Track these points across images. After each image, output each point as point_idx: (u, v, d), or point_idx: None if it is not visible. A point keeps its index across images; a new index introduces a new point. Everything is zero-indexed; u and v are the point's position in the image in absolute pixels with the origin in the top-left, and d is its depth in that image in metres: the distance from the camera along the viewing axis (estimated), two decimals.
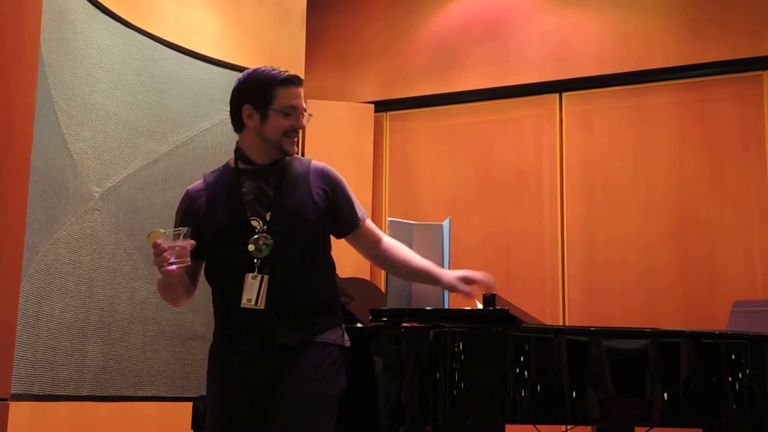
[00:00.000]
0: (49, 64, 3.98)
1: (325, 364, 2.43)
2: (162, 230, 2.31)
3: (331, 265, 2.57)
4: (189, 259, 2.29)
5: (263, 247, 2.40)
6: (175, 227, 2.47)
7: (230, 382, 2.42)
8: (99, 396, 4.29)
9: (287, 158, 2.53)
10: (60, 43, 4.10)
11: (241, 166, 2.51)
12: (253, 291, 2.38)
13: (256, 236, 2.40)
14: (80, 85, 4.28)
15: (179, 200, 2.56)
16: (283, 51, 5.31)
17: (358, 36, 6.32)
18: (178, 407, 4.35)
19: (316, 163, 2.57)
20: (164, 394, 4.61)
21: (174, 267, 2.28)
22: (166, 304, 4.61)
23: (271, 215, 2.43)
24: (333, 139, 5.79)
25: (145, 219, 4.61)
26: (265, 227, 2.42)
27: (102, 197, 4.40)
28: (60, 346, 4.07)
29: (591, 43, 5.70)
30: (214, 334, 2.55)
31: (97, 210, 4.37)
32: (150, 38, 4.74)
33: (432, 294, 3.27)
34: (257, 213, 2.44)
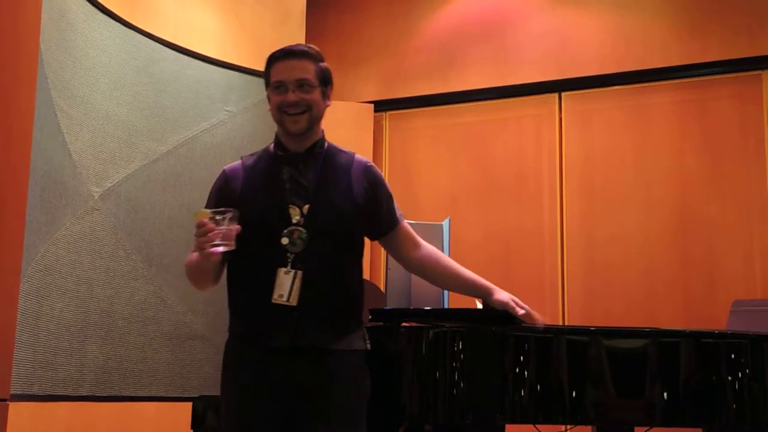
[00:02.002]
0: (48, 63, 3.98)
1: (362, 377, 2.37)
2: (208, 210, 2.20)
3: (360, 266, 2.46)
4: (234, 243, 2.18)
5: (297, 241, 2.29)
6: (207, 206, 2.36)
7: (256, 379, 2.28)
8: (98, 396, 4.29)
9: (327, 147, 2.46)
10: (59, 43, 4.09)
11: (279, 152, 2.42)
12: (285, 287, 2.27)
13: (290, 228, 2.30)
14: (80, 85, 4.27)
15: (216, 180, 2.43)
16: None
17: (357, 35, 6.32)
18: (177, 407, 4.35)
19: (360, 157, 2.49)
20: (164, 394, 4.61)
21: (220, 249, 2.16)
22: (165, 304, 4.67)
23: (309, 208, 2.33)
24: (333, 139, 5.70)
25: (145, 219, 4.61)
26: (302, 219, 2.31)
27: (101, 197, 4.40)
28: (60, 347, 4.07)
29: (590, 43, 5.70)
30: (232, 329, 2.39)
31: (97, 210, 4.37)
32: (149, 38, 4.74)
33: (431, 294, 3.27)
34: (294, 203, 2.33)
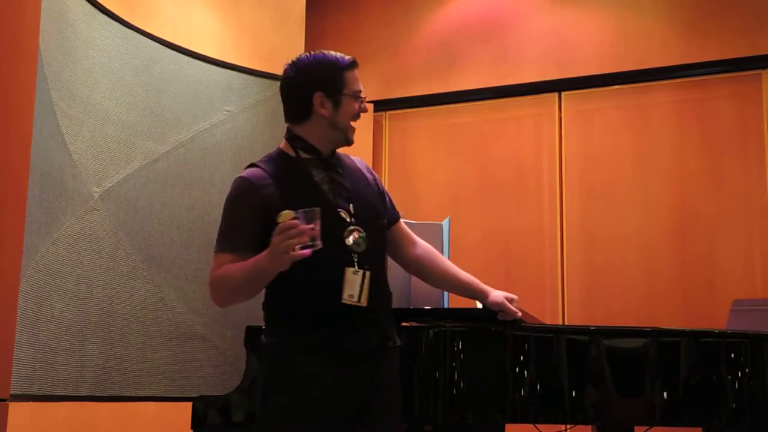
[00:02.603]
0: (48, 64, 3.98)
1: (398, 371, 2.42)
2: (291, 211, 2.09)
3: None
4: (321, 243, 2.09)
5: (360, 240, 2.28)
6: (234, 217, 2.28)
7: (332, 385, 2.23)
8: (99, 396, 4.29)
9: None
10: (59, 43, 4.09)
11: (304, 155, 2.37)
12: (354, 286, 2.24)
13: (350, 228, 2.29)
14: (79, 85, 4.27)
15: (238, 189, 2.32)
16: (282, 50, 5.31)
17: (357, 35, 6.32)
18: (177, 407, 4.34)
19: (351, 156, 2.53)
20: (164, 395, 4.61)
21: (309, 251, 2.08)
22: (165, 304, 4.67)
23: (354, 207, 2.33)
24: None
25: (145, 219, 4.61)
26: (353, 219, 2.31)
27: (101, 197, 4.40)
28: (59, 347, 4.07)
29: (590, 42, 5.70)
30: (287, 335, 2.28)
31: (97, 210, 4.37)
32: (149, 38, 4.74)
33: (431, 293, 3.27)
34: (340, 205, 2.32)
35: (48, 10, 3.95)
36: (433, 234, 3.55)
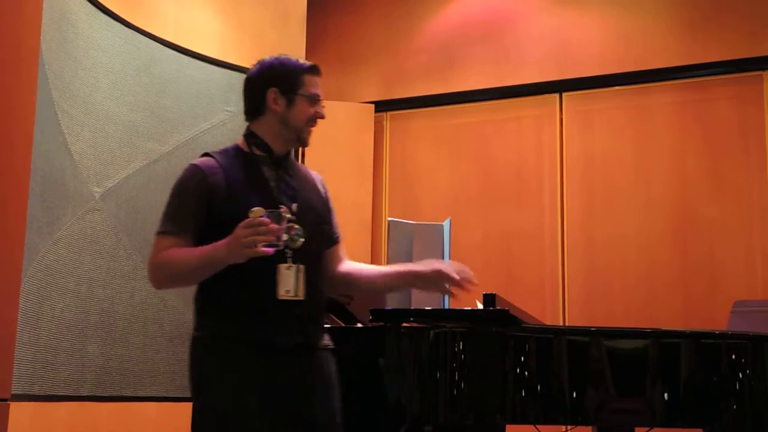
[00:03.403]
0: (49, 64, 3.98)
1: (337, 374, 2.40)
2: (262, 209, 2.15)
3: None
4: (282, 242, 2.19)
5: (296, 237, 2.31)
6: (182, 200, 2.32)
7: (262, 379, 2.25)
8: (99, 396, 4.29)
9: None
10: (60, 44, 4.10)
11: (257, 152, 2.42)
12: (289, 282, 2.27)
13: (287, 225, 2.29)
14: (80, 86, 4.28)
15: (188, 175, 2.38)
16: (283, 51, 5.22)
17: (358, 36, 6.32)
18: (178, 407, 4.34)
19: (312, 171, 2.57)
20: (164, 395, 4.61)
21: (273, 249, 2.15)
22: (166, 304, 4.67)
23: (297, 207, 2.36)
24: (333, 140, 5.79)
25: (146, 219, 4.61)
26: (294, 218, 2.33)
27: (102, 197, 4.40)
28: (60, 347, 4.07)
29: (591, 43, 5.70)
30: (220, 330, 2.30)
31: (98, 210, 4.37)
32: (150, 38, 4.74)
33: (432, 294, 3.27)
34: (283, 202, 2.34)
35: (49, 10, 3.96)
36: (433, 235, 3.55)
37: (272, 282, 2.27)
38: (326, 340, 2.42)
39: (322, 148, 5.58)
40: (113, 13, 4.50)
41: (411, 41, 6.20)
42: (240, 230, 2.14)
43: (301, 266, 2.29)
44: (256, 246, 2.12)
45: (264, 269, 2.25)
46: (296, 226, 2.32)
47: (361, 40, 6.31)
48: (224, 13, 5.21)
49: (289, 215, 2.30)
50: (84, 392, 4.21)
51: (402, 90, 6.16)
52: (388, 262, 3.54)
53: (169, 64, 4.84)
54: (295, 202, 2.36)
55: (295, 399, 2.28)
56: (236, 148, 2.45)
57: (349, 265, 2.56)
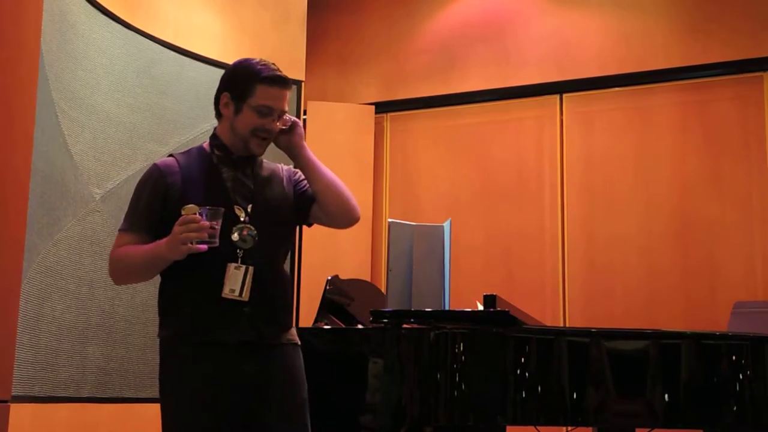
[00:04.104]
0: (49, 65, 3.98)
1: (302, 368, 2.41)
2: (197, 206, 2.21)
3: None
4: (218, 240, 2.21)
5: (248, 237, 2.33)
6: (138, 200, 2.37)
7: (216, 376, 2.28)
8: (100, 397, 4.29)
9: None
10: (61, 45, 4.10)
11: (217, 153, 2.47)
12: (236, 281, 2.30)
13: (240, 226, 2.34)
14: (81, 87, 4.28)
15: (147, 174, 2.43)
16: (283, 52, 5.31)
17: (358, 37, 6.33)
18: None
19: (284, 166, 2.57)
20: None
21: (206, 246, 2.19)
22: None
23: (252, 208, 2.39)
24: (334, 141, 5.79)
25: None
26: (248, 218, 2.36)
27: (103, 199, 4.40)
28: (61, 348, 4.07)
29: (592, 44, 5.71)
30: (172, 326, 2.35)
31: (98, 211, 4.37)
32: (150, 40, 4.74)
33: (432, 295, 3.27)
34: (238, 203, 2.38)
35: (49, 11, 3.96)
36: (434, 236, 3.55)
37: (221, 281, 2.30)
38: (290, 336, 2.42)
39: (322, 150, 5.58)
40: (113, 14, 4.50)
41: (411, 42, 6.21)
42: (175, 227, 2.21)
43: (251, 267, 2.31)
44: (188, 243, 2.18)
45: (214, 269, 2.30)
46: (249, 227, 2.35)
47: (361, 41, 6.31)
48: (224, 14, 5.21)
49: (242, 216, 2.34)
50: (84, 394, 4.21)
51: (402, 91, 6.17)
52: (389, 264, 3.54)
53: (170, 66, 4.84)
54: (251, 203, 2.39)
55: (247, 395, 2.30)
56: (200, 149, 2.51)
57: None
